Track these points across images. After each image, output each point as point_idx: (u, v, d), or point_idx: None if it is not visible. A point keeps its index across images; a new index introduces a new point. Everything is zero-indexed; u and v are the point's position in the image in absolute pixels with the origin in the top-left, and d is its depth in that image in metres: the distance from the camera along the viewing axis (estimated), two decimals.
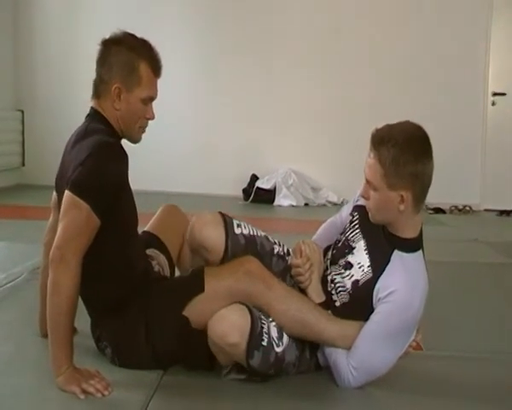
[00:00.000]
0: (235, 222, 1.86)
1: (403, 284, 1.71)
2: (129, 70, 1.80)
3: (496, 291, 3.05)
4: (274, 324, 1.76)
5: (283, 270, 1.91)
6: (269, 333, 1.72)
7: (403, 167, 1.67)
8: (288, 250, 1.98)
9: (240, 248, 1.82)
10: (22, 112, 6.20)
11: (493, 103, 6.01)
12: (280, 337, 1.75)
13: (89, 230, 1.66)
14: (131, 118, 1.85)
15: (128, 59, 1.80)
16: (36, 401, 1.67)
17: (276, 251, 1.92)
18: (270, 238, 1.95)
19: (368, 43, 5.92)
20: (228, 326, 1.65)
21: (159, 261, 2.07)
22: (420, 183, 1.71)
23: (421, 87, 5.84)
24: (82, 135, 1.79)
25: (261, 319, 1.72)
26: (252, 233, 1.88)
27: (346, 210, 2.01)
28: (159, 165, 5.98)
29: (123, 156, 1.74)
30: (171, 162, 6.04)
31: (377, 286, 1.74)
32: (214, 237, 1.79)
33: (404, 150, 1.68)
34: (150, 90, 1.85)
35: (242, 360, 1.70)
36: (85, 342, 1.91)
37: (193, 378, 1.80)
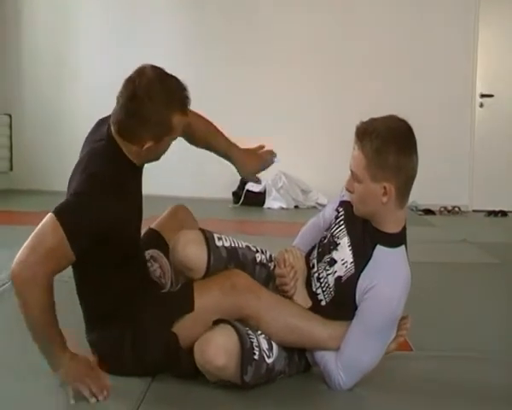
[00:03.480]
0: (216, 236, 1.86)
1: (382, 279, 1.71)
2: (161, 127, 1.74)
3: (483, 291, 3.07)
4: (263, 336, 1.76)
5: (266, 277, 1.92)
6: (259, 346, 1.72)
7: (385, 159, 1.67)
8: (270, 256, 1.98)
9: (222, 260, 1.83)
10: (10, 116, 6.17)
11: (481, 105, 6.06)
12: (270, 348, 1.75)
13: (62, 260, 1.60)
14: (158, 155, 1.84)
15: (160, 116, 1.72)
16: (16, 402, 1.66)
17: (258, 260, 1.92)
18: (252, 247, 1.95)
19: (358, 48, 5.95)
20: (214, 350, 1.65)
21: (161, 264, 2.04)
22: (403, 175, 1.71)
23: (409, 89, 5.87)
24: (85, 162, 1.74)
25: (249, 334, 1.72)
26: (233, 245, 1.88)
27: (331, 207, 2.00)
28: (148, 169, 5.96)
29: (118, 195, 1.70)
30: (160, 166, 5.99)
31: (359, 282, 1.74)
32: (197, 256, 1.79)
33: (387, 142, 1.68)
34: (180, 131, 1.81)
35: (233, 378, 1.70)
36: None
37: (182, 385, 1.78)
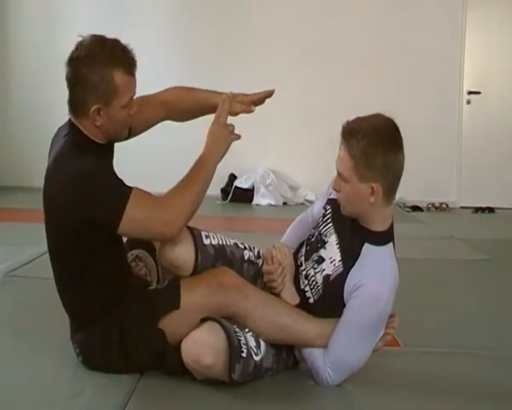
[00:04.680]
0: (204, 234, 1.85)
1: (371, 277, 1.72)
2: (104, 86, 1.71)
3: (470, 287, 3.09)
4: (250, 333, 1.76)
5: (254, 275, 1.92)
6: (247, 343, 1.72)
7: (372, 159, 1.67)
8: (259, 253, 1.97)
9: (210, 258, 1.82)
10: None
11: (468, 102, 6.09)
12: (257, 346, 1.75)
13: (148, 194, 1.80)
14: (115, 126, 1.80)
15: (101, 75, 1.70)
16: (6, 402, 1.65)
17: (246, 257, 1.91)
18: (240, 244, 1.94)
19: (346, 46, 5.94)
20: (201, 349, 1.65)
21: (146, 264, 2.04)
22: (390, 175, 1.71)
23: (396, 86, 5.88)
24: (54, 166, 1.74)
25: (236, 332, 1.72)
26: (221, 243, 1.87)
27: (319, 204, 2.00)
28: (137, 165, 5.94)
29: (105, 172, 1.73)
30: (148, 162, 6.01)
31: (348, 281, 1.74)
32: (184, 254, 1.78)
33: (374, 142, 1.67)
34: (129, 92, 1.78)
35: (221, 376, 1.70)
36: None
37: (170, 380, 1.79)
